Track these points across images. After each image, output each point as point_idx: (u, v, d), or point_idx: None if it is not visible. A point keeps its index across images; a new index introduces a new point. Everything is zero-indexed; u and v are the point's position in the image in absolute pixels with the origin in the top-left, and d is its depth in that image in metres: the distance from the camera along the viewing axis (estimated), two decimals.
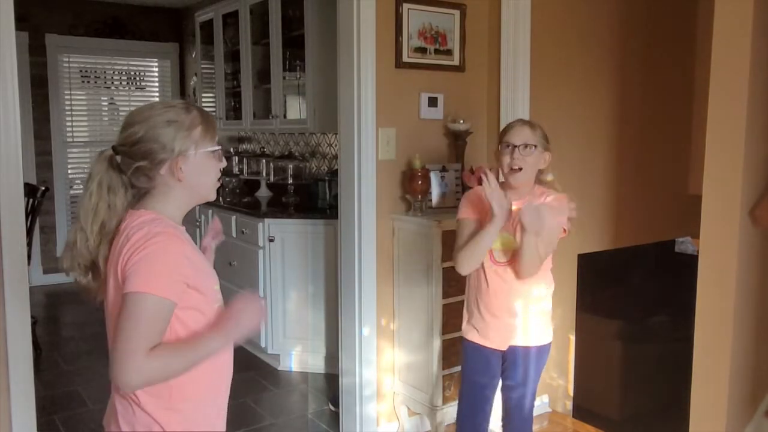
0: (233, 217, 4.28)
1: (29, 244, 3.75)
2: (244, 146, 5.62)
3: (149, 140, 1.39)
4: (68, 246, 1.44)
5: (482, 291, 2.27)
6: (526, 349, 2.29)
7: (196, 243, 1.49)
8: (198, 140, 1.43)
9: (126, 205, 1.44)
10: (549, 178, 2.30)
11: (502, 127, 2.48)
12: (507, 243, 2.20)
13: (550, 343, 2.36)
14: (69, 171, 6.21)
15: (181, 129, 1.41)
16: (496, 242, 2.20)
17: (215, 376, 1.48)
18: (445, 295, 2.79)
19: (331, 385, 3.70)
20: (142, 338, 1.29)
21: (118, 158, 1.42)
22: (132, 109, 1.51)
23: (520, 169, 2.16)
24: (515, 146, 2.16)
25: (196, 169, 1.44)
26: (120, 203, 1.43)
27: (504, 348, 2.30)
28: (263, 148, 5.33)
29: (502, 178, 2.24)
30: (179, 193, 1.45)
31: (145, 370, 1.29)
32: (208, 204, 4.52)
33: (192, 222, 4.65)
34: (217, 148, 1.48)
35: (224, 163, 1.52)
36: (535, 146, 2.16)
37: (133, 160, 1.40)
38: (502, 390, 2.37)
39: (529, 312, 2.27)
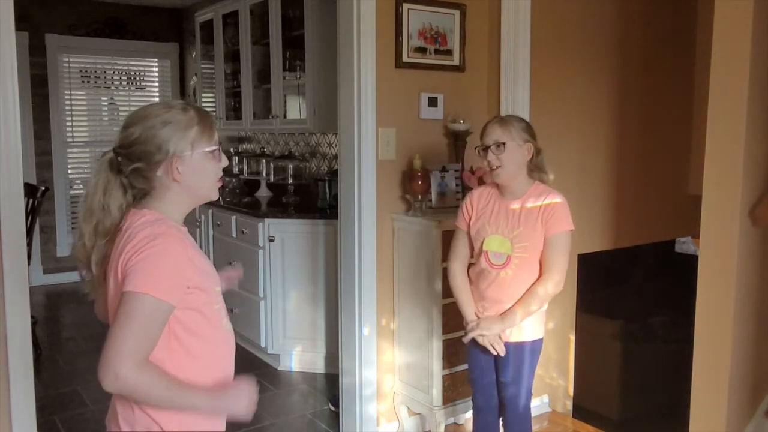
0: (233, 217, 4.28)
1: (29, 244, 3.76)
2: (244, 146, 5.62)
3: (145, 142, 1.39)
4: (75, 243, 1.47)
5: (480, 290, 2.36)
6: (519, 345, 2.32)
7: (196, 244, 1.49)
8: (194, 141, 1.42)
9: (124, 205, 1.43)
10: (551, 177, 2.36)
11: None
12: (500, 246, 2.29)
13: (542, 339, 2.39)
14: (69, 171, 6.21)
15: (177, 130, 1.40)
16: (490, 244, 2.30)
17: (216, 377, 1.48)
18: (445, 295, 2.78)
19: (331, 385, 3.70)
20: (134, 339, 1.28)
21: (119, 159, 1.42)
22: (132, 109, 1.50)
23: (499, 167, 2.25)
24: (488, 146, 2.26)
25: (194, 170, 1.43)
26: (115, 204, 1.43)
27: None
28: (263, 148, 5.33)
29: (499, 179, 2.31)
30: (178, 194, 1.44)
31: (128, 379, 1.28)
32: (209, 204, 4.52)
33: (192, 222, 4.64)
34: (214, 147, 1.45)
35: (225, 163, 1.50)
36: (504, 144, 2.23)
37: (130, 162, 1.40)
38: (497, 387, 2.41)
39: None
